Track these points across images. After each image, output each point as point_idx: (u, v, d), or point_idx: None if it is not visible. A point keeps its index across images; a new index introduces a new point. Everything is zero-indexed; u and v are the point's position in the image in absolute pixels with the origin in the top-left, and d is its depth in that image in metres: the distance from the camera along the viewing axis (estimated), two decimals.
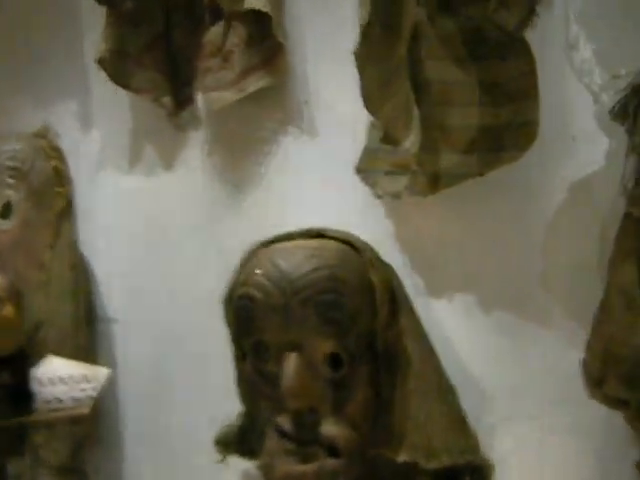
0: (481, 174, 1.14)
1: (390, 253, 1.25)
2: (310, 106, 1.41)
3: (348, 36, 1.20)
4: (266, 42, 1.40)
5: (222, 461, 1.31)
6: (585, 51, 1.16)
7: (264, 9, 1.36)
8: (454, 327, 1.24)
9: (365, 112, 1.21)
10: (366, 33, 1.16)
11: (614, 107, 1.03)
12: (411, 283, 1.25)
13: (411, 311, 1.21)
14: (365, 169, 1.27)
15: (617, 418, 1.08)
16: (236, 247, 1.25)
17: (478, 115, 1.12)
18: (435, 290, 1.26)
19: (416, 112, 1.14)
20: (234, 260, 1.24)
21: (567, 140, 1.16)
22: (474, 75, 1.12)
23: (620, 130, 1.05)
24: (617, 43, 1.14)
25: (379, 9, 1.15)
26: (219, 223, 1.56)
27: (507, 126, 1.12)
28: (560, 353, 1.16)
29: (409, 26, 1.14)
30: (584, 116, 1.15)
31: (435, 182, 1.16)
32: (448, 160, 1.14)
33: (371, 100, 1.19)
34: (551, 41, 1.14)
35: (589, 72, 1.16)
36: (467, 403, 1.20)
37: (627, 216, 1.04)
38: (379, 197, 1.27)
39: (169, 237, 1.66)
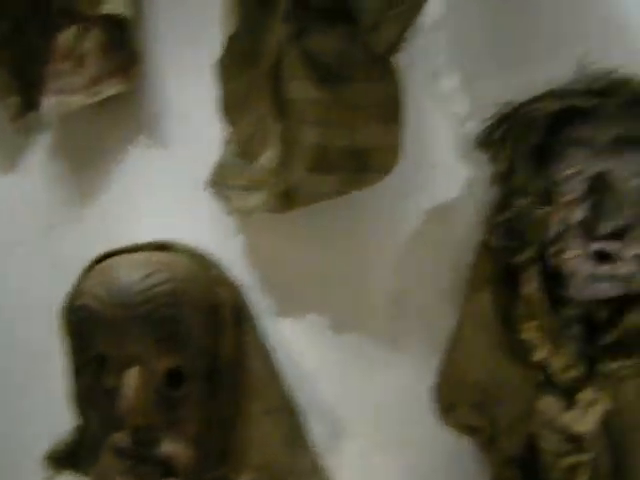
0: (340, 194, 1.14)
1: (239, 270, 1.23)
2: (164, 117, 1.37)
3: (207, 47, 1.19)
4: (123, 49, 1.36)
5: (52, 478, 1.24)
6: (450, 79, 1.19)
7: (122, 15, 1.33)
8: (302, 348, 1.23)
9: (220, 125, 1.20)
10: (231, 45, 1.14)
11: (479, 135, 1.06)
12: (259, 302, 1.23)
13: (257, 330, 1.19)
14: (218, 183, 1.25)
15: (466, 444, 1.10)
16: (78, 260, 1.20)
17: (338, 136, 1.12)
18: (284, 310, 1.25)
19: (276, 129, 1.13)
20: (74, 273, 1.18)
21: (427, 167, 1.18)
22: (337, 96, 1.12)
23: (479, 159, 1.08)
24: (481, 73, 1.17)
25: (246, 22, 1.14)
26: (61, 233, 1.48)
27: (369, 149, 1.12)
28: (410, 378, 1.17)
29: (275, 42, 1.13)
30: (445, 144, 1.17)
31: (291, 200, 1.15)
32: (305, 178, 1.13)
33: (229, 112, 1.18)
34: (417, 67, 1.16)
35: (452, 100, 1.18)
36: (313, 424, 1.19)
37: (483, 244, 1.07)
38: (230, 213, 1.25)
39: (2, 246, 1.58)
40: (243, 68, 1.15)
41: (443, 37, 1.19)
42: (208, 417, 1.12)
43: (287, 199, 1.15)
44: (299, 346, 1.23)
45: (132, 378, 1.08)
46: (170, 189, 1.35)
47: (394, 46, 1.10)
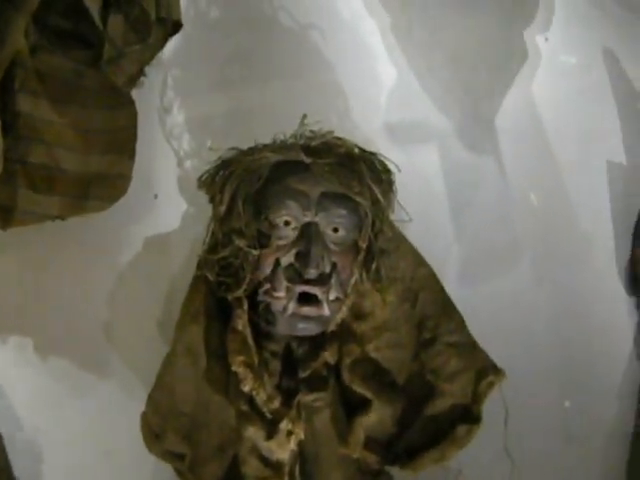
0: (61, 218, 1.12)
1: None
2: None
3: None
4: None
5: None
6: (178, 116, 1.22)
7: None
8: (7, 369, 1.20)
9: None
10: None
11: (202, 176, 1.10)
12: None
13: None
14: None
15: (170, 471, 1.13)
16: None
17: (66, 158, 1.11)
18: None
19: (0, 142, 1.07)
20: None
21: (149, 198, 1.21)
22: (69, 118, 1.12)
23: (198, 195, 1.11)
24: (207, 113, 1.21)
25: None
26: None
27: (97, 176, 1.12)
28: (118, 405, 1.19)
29: (11, 53, 1.08)
30: (167, 177, 1.20)
31: (8, 217, 1.11)
32: (26, 197, 1.11)
33: None
34: (147, 101, 1.19)
35: (178, 137, 1.22)
36: (16, 449, 1.17)
37: (199, 278, 1.11)
38: None
39: None
40: None
41: (175, 73, 1.22)
42: None
43: (5, 216, 1.11)
44: (3, 368, 1.20)
45: None
46: None
47: (133, 79, 1.12)
